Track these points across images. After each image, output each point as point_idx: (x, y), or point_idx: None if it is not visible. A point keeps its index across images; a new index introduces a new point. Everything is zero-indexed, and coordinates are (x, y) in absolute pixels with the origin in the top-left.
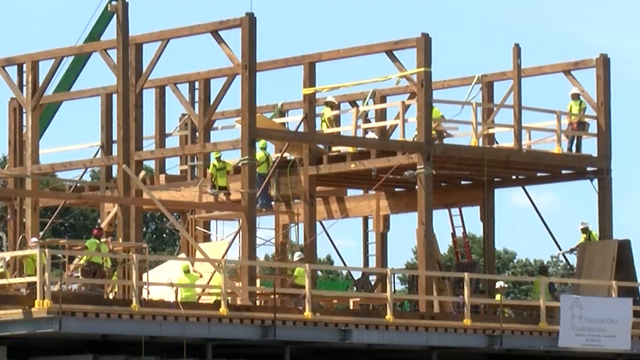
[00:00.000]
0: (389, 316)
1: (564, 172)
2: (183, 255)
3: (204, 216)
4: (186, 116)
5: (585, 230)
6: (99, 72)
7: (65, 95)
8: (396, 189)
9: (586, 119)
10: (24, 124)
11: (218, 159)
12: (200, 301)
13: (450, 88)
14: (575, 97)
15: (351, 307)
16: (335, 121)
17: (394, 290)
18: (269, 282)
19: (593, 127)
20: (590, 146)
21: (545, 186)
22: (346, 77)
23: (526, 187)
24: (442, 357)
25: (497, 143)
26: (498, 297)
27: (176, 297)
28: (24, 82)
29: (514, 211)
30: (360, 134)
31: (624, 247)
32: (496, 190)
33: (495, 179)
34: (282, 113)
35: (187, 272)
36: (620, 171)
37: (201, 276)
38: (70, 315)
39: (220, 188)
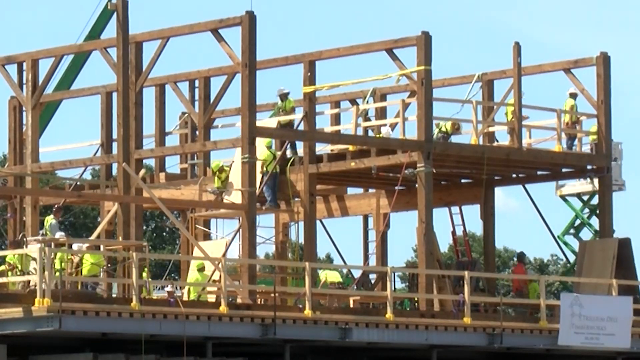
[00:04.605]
0: (389, 315)
1: (564, 170)
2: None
3: (204, 214)
4: (186, 114)
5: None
6: (99, 71)
7: (65, 93)
8: (396, 187)
9: (585, 118)
10: (24, 122)
11: (218, 171)
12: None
13: (450, 86)
14: (574, 96)
15: (351, 306)
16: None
17: (394, 288)
18: (269, 280)
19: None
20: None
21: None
22: (346, 75)
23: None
24: (442, 355)
25: (497, 141)
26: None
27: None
28: (24, 81)
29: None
30: (360, 132)
31: (624, 245)
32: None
33: (496, 178)
34: (282, 111)
35: (201, 270)
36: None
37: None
38: (70, 313)
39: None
